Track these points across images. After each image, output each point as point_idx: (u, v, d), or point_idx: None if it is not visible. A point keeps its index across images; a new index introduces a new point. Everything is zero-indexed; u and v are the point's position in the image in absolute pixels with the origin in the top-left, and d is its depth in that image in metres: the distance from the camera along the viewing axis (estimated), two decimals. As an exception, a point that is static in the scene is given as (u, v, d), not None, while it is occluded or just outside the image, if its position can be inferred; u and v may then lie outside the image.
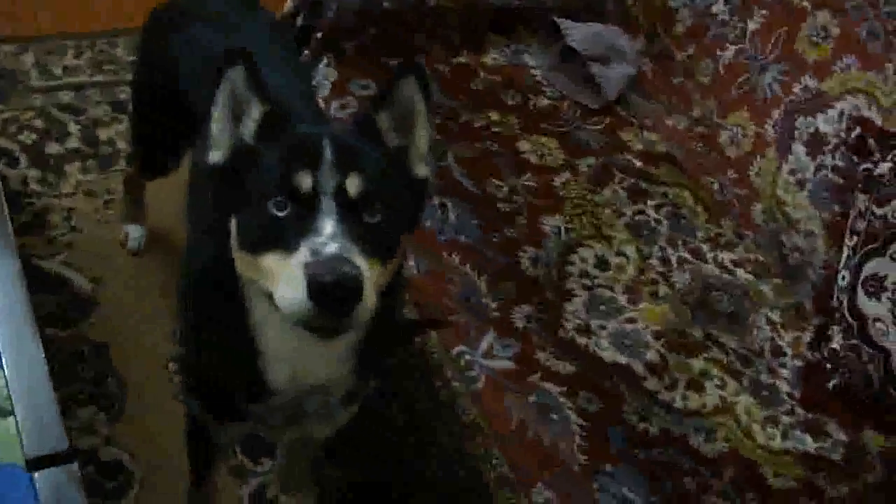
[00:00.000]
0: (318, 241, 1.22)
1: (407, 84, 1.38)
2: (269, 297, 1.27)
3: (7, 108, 3.06)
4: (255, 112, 1.43)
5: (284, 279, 1.23)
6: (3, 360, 1.51)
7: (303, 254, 1.22)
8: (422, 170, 1.44)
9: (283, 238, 1.26)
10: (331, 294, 1.18)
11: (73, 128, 3.05)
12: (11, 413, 1.45)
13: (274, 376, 1.49)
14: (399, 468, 2.18)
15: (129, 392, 2.39)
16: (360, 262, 1.21)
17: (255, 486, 2.29)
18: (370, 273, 1.23)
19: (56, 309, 2.50)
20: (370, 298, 1.22)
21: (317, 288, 1.18)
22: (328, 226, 1.24)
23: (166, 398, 2.37)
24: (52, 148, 2.96)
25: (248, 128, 1.43)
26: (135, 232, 2.75)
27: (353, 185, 1.29)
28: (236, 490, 2.27)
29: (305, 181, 1.30)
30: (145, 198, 2.75)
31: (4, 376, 1.49)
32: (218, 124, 1.45)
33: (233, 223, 1.37)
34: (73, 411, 2.29)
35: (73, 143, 2.99)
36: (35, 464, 1.38)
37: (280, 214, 1.29)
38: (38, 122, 3.03)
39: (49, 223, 2.74)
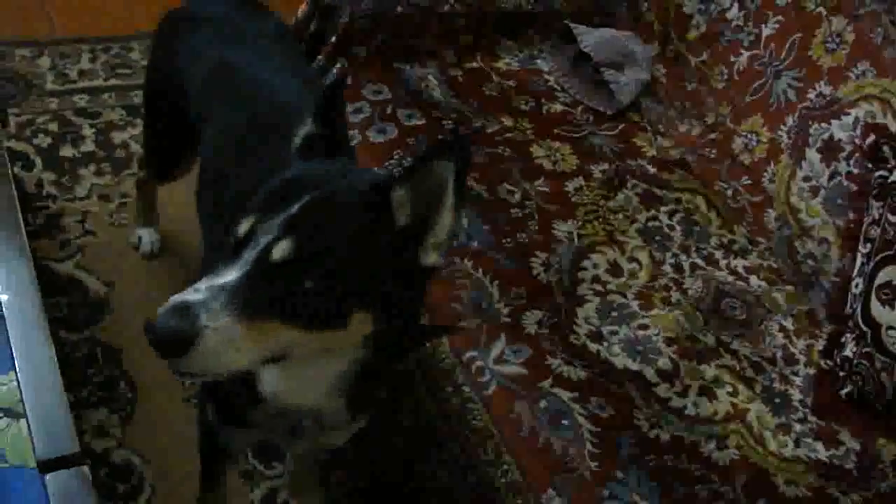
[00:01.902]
0: (200, 285, 1.25)
1: (442, 168, 1.29)
2: None
3: (22, 111, 3.09)
4: (303, 129, 1.45)
5: None
6: (16, 363, 1.52)
7: (189, 288, 1.26)
8: (431, 258, 1.37)
9: (218, 264, 1.30)
10: (154, 339, 1.22)
11: (87, 131, 3.07)
12: (24, 416, 1.46)
13: (264, 388, 1.52)
14: (408, 473, 2.18)
15: (141, 395, 2.40)
16: (214, 321, 1.23)
17: (266, 490, 2.30)
18: (228, 335, 1.24)
19: (69, 312, 2.52)
20: (211, 357, 1.24)
21: (146, 327, 1.23)
22: (227, 275, 1.26)
23: (178, 402, 2.39)
24: (67, 151, 2.98)
25: (296, 142, 1.46)
26: (147, 236, 2.77)
27: (280, 249, 1.27)
28: (247, 494, 2.29)
29: (243, 227, 1.31)
30: (158, 201, 2.77)
31: (17, 379, 1.50)
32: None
33: None
34: (85, 414, 2.31)
35: (87, 146, 3.02)
36: (46, 466, 1.39)
37: (231, 243, 1.32)
38: (53, 126, 3.05)
39: (63, 226, 2.76)
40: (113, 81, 3.31)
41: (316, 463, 2.28)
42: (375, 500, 2.25)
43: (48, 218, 2.77)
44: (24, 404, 1.46)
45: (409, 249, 1.36)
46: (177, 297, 1.24)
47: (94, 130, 3.08)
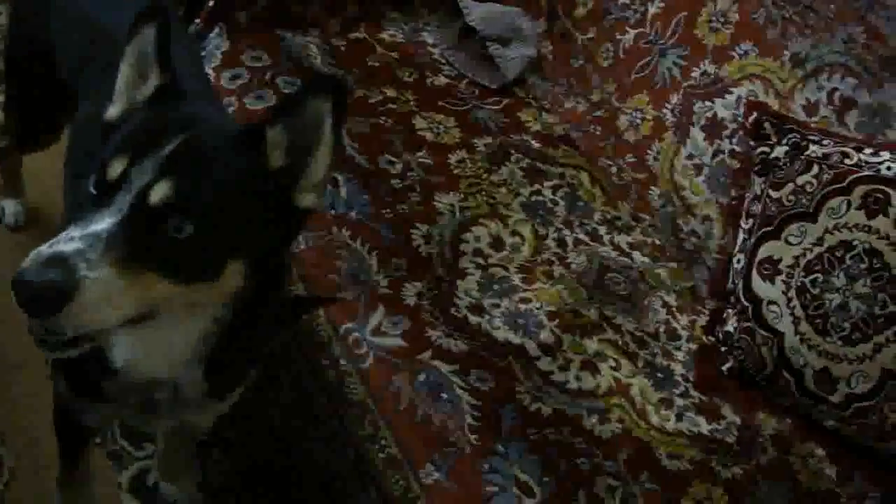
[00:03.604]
0: (69, 233, 1.16)
1: (319, 104, 1.25)
2: None
3: None
4: (152, 80, 1.35)
5: None
6: None
7: (57, 238, 1.16)
8: (307, 200, 1.31)
9: (78, 214, 1.21)
10: (23, 293, 1.12)
11: (-57, 97, 2.88)
12: None
13: (115, 357, 1.42)
14: (285, 451, 2.11)
15: (4, 372, 2.27)
16: (92, 272, 1.13)
17: (135, 471, 2.20)
18: (106, 288, 1.15)
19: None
20: (90, 312, 1.15)
21: (15, 283, 1.13)
22: (98, 223, 1.17)
23: (41, 381, 2.25)
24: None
25: (142, 94, 1.36)
26: (11, 207, 2.63)
27: (158, 191, 1.19)
28: (115, 475, 2.18)
29: (114, 170, 1.22)
30: (23, 171, 2.63)
31: None
32: (122, 78, 1.39)
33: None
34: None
35: (-55, 113, 2.83)
36: None
37: (92, 192, 1.23)
38: None
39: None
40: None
41: (189, 444, 2.17)
42: (250, 480, 2.16)
43: None
44: None
45: (284, 192, 1.30)
46: (46, 248, 1.14)
47: (-49, 98, 2.90)
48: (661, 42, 2.54)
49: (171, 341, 1.37)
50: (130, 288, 1.17)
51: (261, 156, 1.28)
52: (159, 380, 1.45)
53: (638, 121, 2.55)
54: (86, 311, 1.14)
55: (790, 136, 2.17)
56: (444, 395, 1.86)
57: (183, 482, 2.16)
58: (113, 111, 1.38)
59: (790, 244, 2.07)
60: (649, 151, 2.51)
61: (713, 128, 2.38)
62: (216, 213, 1.22)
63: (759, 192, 2.18)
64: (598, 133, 2.62)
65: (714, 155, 2.37)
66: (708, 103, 2.41)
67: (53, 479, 1.98)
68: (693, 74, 2.47)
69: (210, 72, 2.34)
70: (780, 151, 2.16)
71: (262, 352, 1.58)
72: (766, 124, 2.22)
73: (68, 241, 1.14)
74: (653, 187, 2.48)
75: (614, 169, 2.55)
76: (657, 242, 2.41)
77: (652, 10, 2.58)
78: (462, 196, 2.27)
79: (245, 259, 1.27)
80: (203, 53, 2.40)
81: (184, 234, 1.19)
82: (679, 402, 2.04)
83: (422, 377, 1.88)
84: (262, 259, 1.31)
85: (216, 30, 2.48)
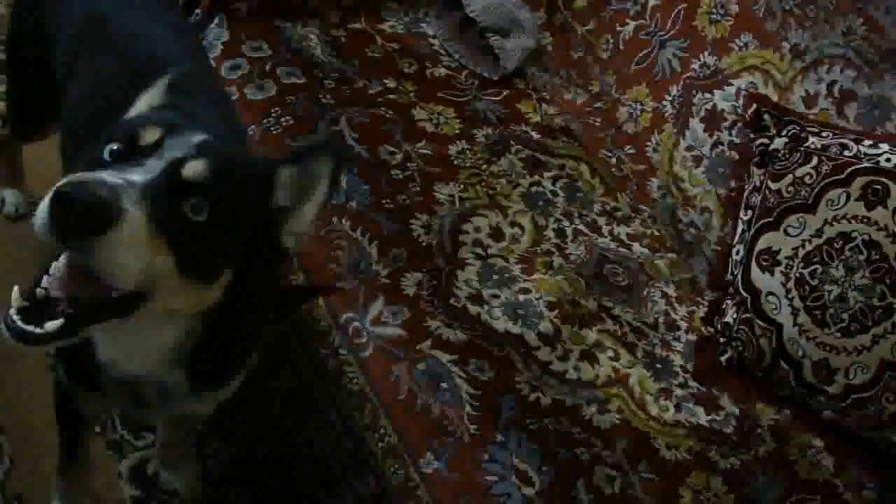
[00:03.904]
0: (103, 174, 1.13)
1: (323, 165, 1.34)
2: None
3: None
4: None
5: None
6: None
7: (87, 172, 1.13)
8: (288, 241, 1.38)
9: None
10: (68, 204, 1.05)
11: (-56, 87, 2.88)
12: None
13: (99, 352, 1.42)
14: (284, 441, 2.11)
15: (3, 362, 2.27)
16: (132, 209, 1.11)
17: (135, 460, 2.19)
18: (140, 232, 1.13)
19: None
20: (125, 254, 1.12)
21: (59, 192, 1.06)
22: (133, 173, 1.15)
23: (41, 370, 2.25)
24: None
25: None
26: (11, 197, 2.62)
27: (195, 167, 1.21)
28: (115, 465, 2.18)
29: (150, 134, 1.23)
30: (23, 161, 2.62)
31: None
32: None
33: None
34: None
35: (-56, 103, 2.83)
36: None
37: (106, 159, 1.22)
38: None
39: (-86, 186, 2.59)
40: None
41: (189, 433, 2.17)
42: (249, 469, 2.17)
43: None
44: None
45: (276, 228, 1.36)
46: (86, 174, 1.10)
47: (-48, 88, 2.90)
48: (661, 34, 2.54)
49: (146, 343, 1.37)
50: (149, 245, 1.15)
51: (270, 189, 1.34)
52: (141, 377, 1.45)
53: (637, 112, 2.55)
54: (119, 248, 1.10)
55: (790, 127, 2.17)
56: (444, 385, 1.86)
57: (182, 472, 2.16)
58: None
59: (789, 235, 2.07)
60: (649, 143, 2.50)
61: (712, 119, 2.38)
62: (231, 211, 1.25)
63: (758, 184, 2.18)
64: (597, 124, 2.62)
65: (713, 146, 2.37)
66: (707, 95, 2.41)
67: (52, 468, 1.98)
68: (693, 66, 2.46)
69: (211, 62, 2.33)
70: (779, 143, 2.16)
71: (252, 347, 1.58)
72: (766, 116, 2.22)
73: (108, 175, 1.12)
74: (652, 178, 2.48)
75: (614, 160, 2.55)
76: (656, 233, 2.42)
77: (652, 1, 2.58)
78: (462, 187, 2.27)
79: (233, 271, 1.30)
80: (203, 44, 2.39)
81: (199, 217, 1.20)
82: (678, 392, 2.05)
83: (421, 367, 1.88)
84: (241, 280, 1.33)
85: (216, 20, 2.48)
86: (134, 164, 1.18)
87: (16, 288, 1.18)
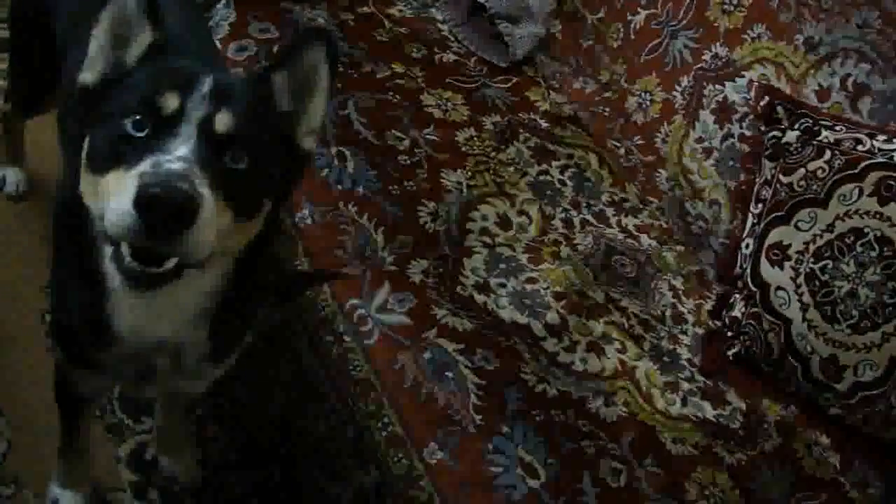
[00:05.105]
0: (162, 158, 1.13)
1: (314, 52, 1.31)
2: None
3: None
4: (143, 39, 1.33)
5: (117, 193, 1.13)
6: None
7: (143, 166, 1.12)
8: (307, 143, 1.36)
9: (129, 156, 1.16)
10: (158, 208, 1.07)
11: (-54, 63, 2.85)
12: None
13: (117, 323, 1.39)
14: (285, 427, 2.08)
15: (1, 343, 2.24)
16: (204, 190, 1.12)
17: (134, 445, 2.17)
18: (214, 210, 1.13)
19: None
20: (207, 234, 1.12)
21: (145, 197, 1.07)
22: (181, 149, 1.15)
23: (41, 352, 2.23)
24: (-79, 84, 2.76)
25: (132, 55, 1.34)
26: (13, 175, 2.59)
27: (222, 120, 1.20)
28: (114, 449, 2.15)
29: (171, 101, 1.21)
30: (25, 140, 2.59)
31: None
32: (98, 43, 1.35)
33: (84, 143, 1.26)
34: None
35: (-54, 79, 2.80)
36: None
37: (135, 134, 1.19)
38: None
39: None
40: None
41: (187, 418, 2.15)
42: (250, 455, 2.14)
43: None
44: None
45: (291, 135, 1.35)
46: (147, 167, 1.10)
47: (-46, 64, 2.87)
48: (673, 23, 2.51)
49: (181, 299, 1.35)
50: (218, 214, 1.15)
51: (271, 99, 1.32)
52: (162, 344, 1.43)
53: (647, 103, 2.52)
54: (204, 230, 1.11)
55: (802, 120, 2.14)
56: (449, 374, 1.84)
57: (182, 457, 2.14)
58: (88, 76, 1.35)
59: (800, 230, 2.05)
60: (658, 134, 2.48)
61: (723, 111, 2.36)
62: (263, 146, 1.25)
63: (769, 177, 2.16)
64: (606, 114, 2.59)
65: (724, 139, 2.35)
66: (718, 86, 2.38)
67: (51, 451, 1.96)
68: (704, 57, 2.44)
69: (217, 43, 2.30)
70: (791, 136, 2.14)
71: (258, 313, 1.57)
72: (779, 108, 2.20)
73: (169, 162, 1.12)
74: (660, 170, 2.46)
75: (622, 150, 2.53)
76: (664, 225, 2.40)
77: (664, -9, 2.55)
78: (469, 174, 2.25)
79: (272, 198, 1.29)
80: (210, 24, 2.37)
81: (240, 165, 1.20)
82: (684, 386, 2.03)
83: (427, 355, 1.86)
84: (277, 206, 1.33)
85: (224, 1, 2.45)
86: (167, 136, 1.17)
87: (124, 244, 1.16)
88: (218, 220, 1.15)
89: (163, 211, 1.08)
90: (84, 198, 1.26)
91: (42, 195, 2.60)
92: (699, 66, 2.44)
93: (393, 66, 2.47)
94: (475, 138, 2.35)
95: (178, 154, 1.14)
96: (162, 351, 1.44)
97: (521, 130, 2.44)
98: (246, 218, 1.24)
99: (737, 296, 2.16)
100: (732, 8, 2.40)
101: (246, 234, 1.28)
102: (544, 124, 2.51)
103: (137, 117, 1.20)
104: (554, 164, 2.39)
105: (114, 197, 1.14)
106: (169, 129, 1.18)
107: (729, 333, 2.14)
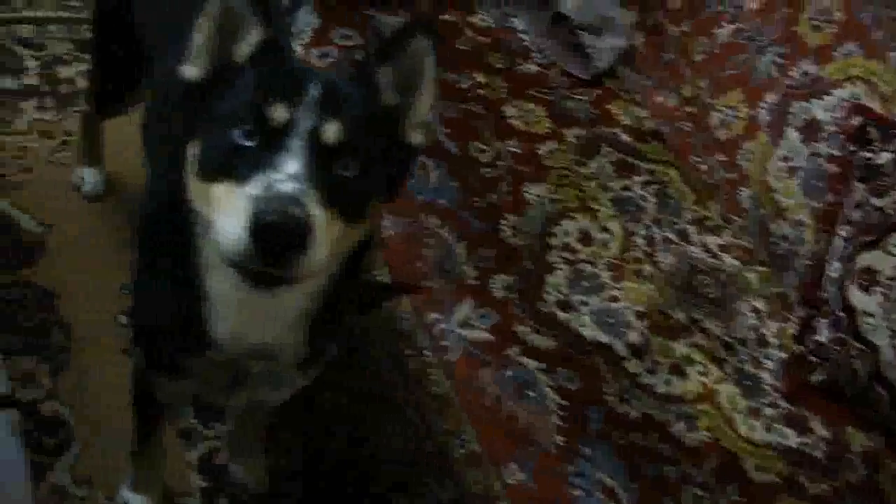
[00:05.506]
0: (274, 177, 1.11)
1: (420, 44, 1.27)
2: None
3: (-40, 37, 2.89)
4: (253, 36, 1.32)
5: (228, 209, 1.12)
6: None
7: (255, 186, 1.11)
8: (415, 137, 1.32)
9: (240, 168, 1.15)
10: (273, 236, 1.07)
11: (30, 63, 2.87)
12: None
13: (216, 328, 1.37)
14: (359, 440, 2.07)
15: (75, 344, 2.24)
16: (317, 211, 1.10)
17: (204, 450, 2.16)
18: (326, 226, 1.12)
19: (-1, 252, 2.34)
20: (320, 252, 1.11)
21: (259, 226, 1.07)
22: (291, 165, 1.13)
23: (115, 353, 2.23)
24: (6, 83, 2.79)
25: (243, 51, 1.32)
26: (91, 176, 2.59)
27: (331, 130, 1.17)
28: (184, 453, 2.15)
29: (280, 113, 1.19)
30: (104, 140, 2.60)
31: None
32: (202, 36, 1.34)
33: (193, 146, 1.25)
34: (11, 361, 2.15)
35: (30, 79, 2.82)
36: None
37: (244, 143, 1.18)
38: (-6, 55, 2.86)
39: (-2, 161, 2.58)
40: (62, 13, 3.12)
41: (259, 424, 2.15)
42: (321, 467, 2.13)
43: (-18, 152, 2.60)
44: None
45: (397, 130, 1.31)
46: (258, 189, 1.09)
47: (37, 63, 2.89)
48: (760, 39, 2.46)
49: (286, 301, 1.34)
50: (329, 228, 1.14)
51: (377, 95, 1.29)
52: (259, 349, 1.41)
53: (731, 119, 2.47)
54: (318, 250, 1.10)
55: (896, 141, 2.09)
56: (531, 393, 1.82)
57: (251, 464, 2.13)
58: (193, 70, 1.34)
59: (891, 255, 1.99)
60: (741, 151, 2.43)
61: (810, 129, 2.31)
62: (371, 150, 1.22)
63: (860, 199, 2.10)
64: (688, 129, 2.56)
65: (810, 158, 2.29)
66: (806, 104, 2.33)
67: (122, 455, 1.96)
68: (791, 74, 2.39)
69: (300, 49, 2.30)
70: (885, 158, 2.08)
71: (345, 323, 1.55)
72: (871, 129, 2.14)
73: (280, 182, 1.10)
74: (743, 188, 2.41)
75: (704, 167, 2.48)
76: (747, 245, 2.35)
77: (751, 5, 2.50)
78: (552, 188, 2.22)
79: (380, 197, 1.28)
80: (292, 30, 2.37)
81: (350, 173, 1.18)
82: (767, 411, 1.99)
83: (508, 373, 1.84)
84: (391, 193, 1.32)
85: (304, 6, 2.45)
86: (277, 149, 1.16)
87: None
88: (329, 230, 1.15)
89: (277, 240, 1.07)
90: (194, 202, 1.25)
91: (118, 196, 2.62)
92: (787, 82, 2.39)
93: (475, 75, 2.46)
94: (557, 151, 2.33)
95: (289, 171, 1.12)
96: (257, 357, 1.43)
97: (603, 144, 2.41)
98: (356, 222, 1.24)
99: (821, 320, 2.10)
100: (823, 24, 2.35)
101: (355, 236, 1.27)
102: (626, 138, 2.48)
103: (248, 128, 1.20)
104: (636, 179, 2.36)
105: (225, 212, 1.13)
106: (279, 140, 1.17)
107: (813, 359, 2.09)
